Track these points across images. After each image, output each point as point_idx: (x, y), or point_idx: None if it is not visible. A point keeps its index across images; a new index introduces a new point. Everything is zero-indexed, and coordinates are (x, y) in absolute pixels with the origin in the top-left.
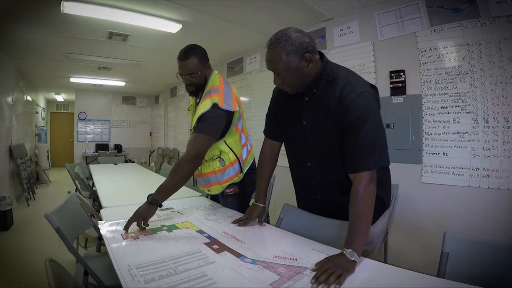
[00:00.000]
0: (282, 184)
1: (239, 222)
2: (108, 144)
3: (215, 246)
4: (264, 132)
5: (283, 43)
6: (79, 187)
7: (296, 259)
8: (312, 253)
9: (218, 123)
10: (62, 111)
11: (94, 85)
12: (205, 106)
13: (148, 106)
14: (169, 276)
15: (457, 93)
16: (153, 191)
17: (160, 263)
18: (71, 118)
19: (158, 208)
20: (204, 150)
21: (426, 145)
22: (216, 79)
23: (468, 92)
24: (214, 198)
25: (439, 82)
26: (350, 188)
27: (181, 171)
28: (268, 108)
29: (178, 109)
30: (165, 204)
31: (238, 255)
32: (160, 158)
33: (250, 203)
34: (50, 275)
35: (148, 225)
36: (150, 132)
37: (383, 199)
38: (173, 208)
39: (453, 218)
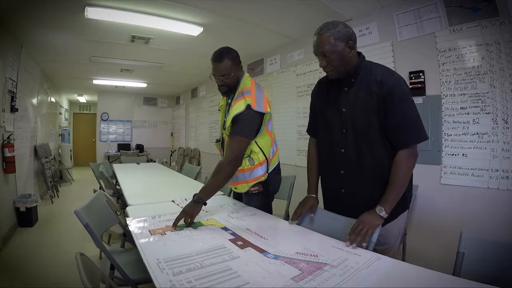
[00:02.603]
0: (303, 185)
1: (297, 217)
2: (130, 144)
3: (239, 242)
4: (308, 131)
5: (332, 29)
6: (103, 185)
7: (317, 256)
8: (332, 250)
9: (252, 124)
10: (85, 112)
11: (116, 86)
12: (239, 107)
13: (169, 107)
14: (196, 269)
15: (477, 93)
16: (176, 190)
17: (187, 257)
18: (94, 118)
19: (203, 206)
20: (243, 151)
21: (445, 146)
22: (247, 81)
23: (487, 93)
24: (237, 197)
25: (458, 82)
26: (377, 176)
27: (223, 173)
28: (310, 109)
29: (199, 110)
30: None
31: (261, 250)
32: (181, 158)
33: (273, 203)
34: (81, 267)
35: (194, 222)
36: (171, 133)
37: (405, 197)
38: None
39: (472, 220)
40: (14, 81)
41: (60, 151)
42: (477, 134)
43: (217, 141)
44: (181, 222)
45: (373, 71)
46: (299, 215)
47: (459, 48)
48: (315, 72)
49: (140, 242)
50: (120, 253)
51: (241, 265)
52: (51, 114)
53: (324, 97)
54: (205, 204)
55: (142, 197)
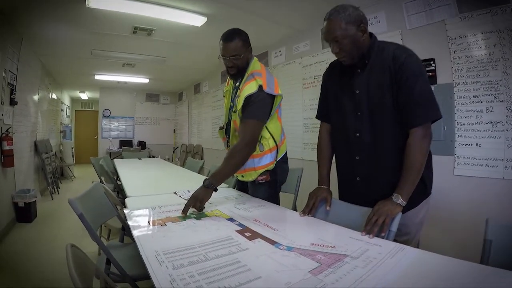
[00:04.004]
0: (310, 178)
1: (309, 210)
2: (132, 140)
3: (247, 234)
4: (319, 117)
5: (342, 13)
6: (103, 179)
7: (335, 247)
8: (350, 241)
9: (265, 106)
10: (87, 109)
11: (118, 82)
12: (251, 88)
13: (172, 103)
14: (199, 262)
15: (489, 81)
16: (178, 183)
17: (189, 249)
18: (95, 116)
19: (214, 191)
20: (257, 136)
21: (458, 135)
22: (257, 64)
23: (500, 80)
24: (241, 189)
25: (470, 70)
26: (394, 161)
27: (236, 158)
28: (320, 94)
29: (202, 106)
30: (191, 193)
31: (272, 242)
32: (184, 155)
33: (279, 197)
34: (70, 260)
35: (204, 208)
36: (174, 129)
37: (424, 182)
38: None
39: (487, 211)
40: (14, 74)
41: (61, 147)
42: (491, 123)
43: (221, 128)
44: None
45: (385, 49)
46: (312, 207)
47: (470, 36)
48: (321, 63)
49: (138, 232)
50: (118, 248)
51: (251, 257)
52: (53, 111)
53: (337, 80)
54: (216, 190)
55: (142, 189)
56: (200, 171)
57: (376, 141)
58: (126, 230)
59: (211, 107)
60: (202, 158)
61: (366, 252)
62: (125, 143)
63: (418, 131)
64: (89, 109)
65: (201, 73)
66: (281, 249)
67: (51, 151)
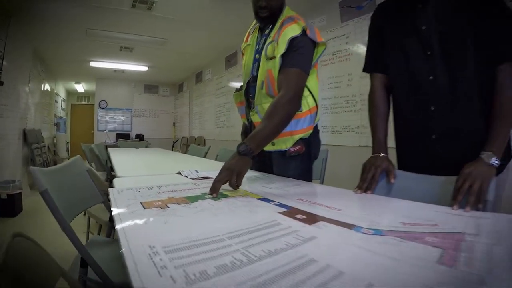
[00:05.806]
0: (333, 165)
1: (368, 185)
2: (129, 133)
3: (300, 216)
4: (368, 68)
5: None
6: (94, 167)
7: (437, 225)
8: (448, 217)
9: (309, 55)
10: (83, 102)
11: (115, 71)
12: (294, 30)
13: (171, 95)
14: (237, 267)
15: None
16: (177, 166)
17: (210, 243)
18: (92, 109)
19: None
20: (302, 88)
21: None
22: (291, 12)
23: None
24: (260, 169)
25: None
26: (480, 109)
27: (279, 115)
28: (368, 41)
29: (204, 95)
30: (199, 173)
31: (347, 225)
32: (185, 148)
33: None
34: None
35: (240, 185)
36: (173, 122)
37: (508, 140)
38: (213, 178)
39: None
40: (1, 51)
41: (55, 141)
42: None
43: (237, 90)
44: (193, 193)
45: None
46: (372, 181)
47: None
48: (341, 38)
49: (121, 216)
50: (102, 245)
51: (330, 250)
52: (46, 102)
53: (393, 19)
54: (254, 158)
55: (137, 170)
56: (206, 157)
57: (455, 84)
58: (114, 222)
59: (215, 95)
60: None
61: (480, 227)
62: (122, 136)
63: (509, 68)
64: (86, 102)
65: (204, 59)
66: (366, 233)
67: (43, 142)
